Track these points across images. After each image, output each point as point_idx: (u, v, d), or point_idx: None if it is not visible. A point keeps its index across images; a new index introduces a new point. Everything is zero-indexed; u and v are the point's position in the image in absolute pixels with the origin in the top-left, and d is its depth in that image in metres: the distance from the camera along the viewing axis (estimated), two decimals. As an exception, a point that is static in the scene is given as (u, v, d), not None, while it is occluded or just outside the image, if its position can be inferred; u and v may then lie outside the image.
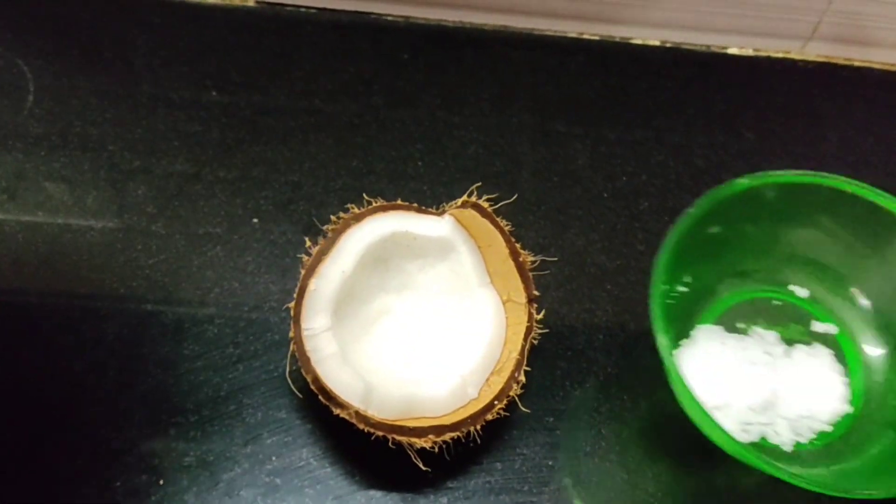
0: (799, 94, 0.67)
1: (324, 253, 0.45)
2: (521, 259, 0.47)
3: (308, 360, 0.42)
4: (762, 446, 0.44)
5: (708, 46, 0.69)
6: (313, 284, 0.44)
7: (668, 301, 0.45)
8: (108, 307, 0.49)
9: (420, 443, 0.41)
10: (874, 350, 0.47)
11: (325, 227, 0.46)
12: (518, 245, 0.47)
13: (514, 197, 0.52)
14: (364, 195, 0.48)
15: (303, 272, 0.44)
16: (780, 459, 0.39)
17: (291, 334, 0.43)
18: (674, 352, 0.45)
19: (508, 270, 0.47)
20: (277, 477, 0.44)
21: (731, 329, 0.48)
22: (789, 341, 0.47)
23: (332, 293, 0.44)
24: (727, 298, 0.49)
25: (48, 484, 0.43)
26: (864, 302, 0.48)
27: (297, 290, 0.44)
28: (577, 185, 0.59)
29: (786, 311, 0.49)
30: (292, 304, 0.44)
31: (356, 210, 0.47)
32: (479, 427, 0.43)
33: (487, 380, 0.46)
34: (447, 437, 0.42)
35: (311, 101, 0.61)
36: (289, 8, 0.66)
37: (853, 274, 0.48)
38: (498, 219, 0.48)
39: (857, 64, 0.70)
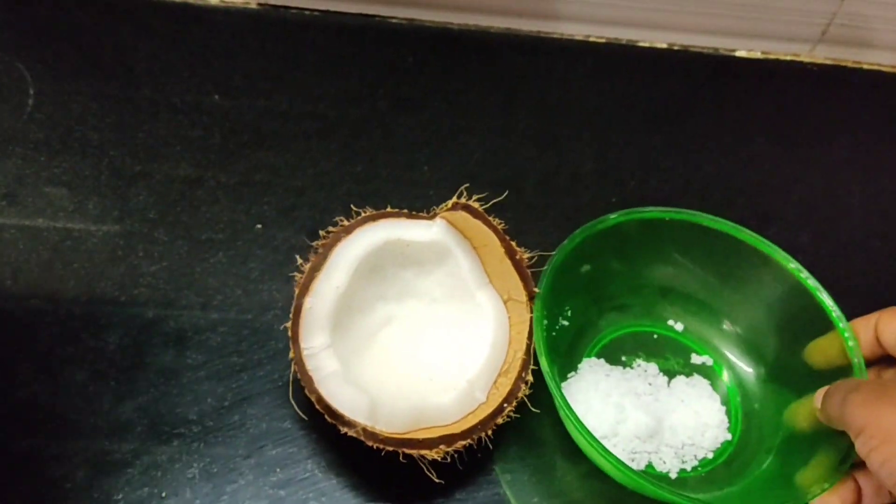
0: (808, 98, 0.66)
1: (316, 269, 0.44)
2: (517, 257, 0.46)
3: (311, 379, 0.41)
4: (649, 473, 0.45)
5: (716, 49, 0.68)
6: (308, 303, 0.43)
7: (553, 334, 0.46)
8: (109, 315, 0.48)
9: (432, 454, 0.40)
10: (749, 378, 0.49)
11: (315, 244, 0.45)
12: (514, 243, 0.46)
13: (506, 194, 0.50)
14: (363, 202, 0.47)
15: (296, 290, 0.44)
16: (667, 486, 0.40)
17: (291, 355, 0.42)
18: (563, 384, 0.47)
19: (506, 270, 0.46)
20: (282, 489, 0.43)
21: (616, 362, 0.49)
22: (670, 372, 0.49)
23: (329, 310, 0.43)
24: (609, 332, 0.50)
25: (48, 497, 0.42)
26: (735, 332, 0.49)
27: (292, 309, 0.43)
28: (586, 190, 0.58)
29: (665, 344, 0.50)
30: (289, 324, 0.43)
31: (345, 222, 0.45)
32: (489, 432, 0.42)
33: (495, 382, 0.45)
34: (458, 445, 0.41)
35: (315, 106, 0.60)
36: (292, 11, 0.66)
37: (723, 306, 0.50)
38: (491, 218, 0.46)
39: (866, 67, 0.69)
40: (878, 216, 0.59)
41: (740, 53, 0.69)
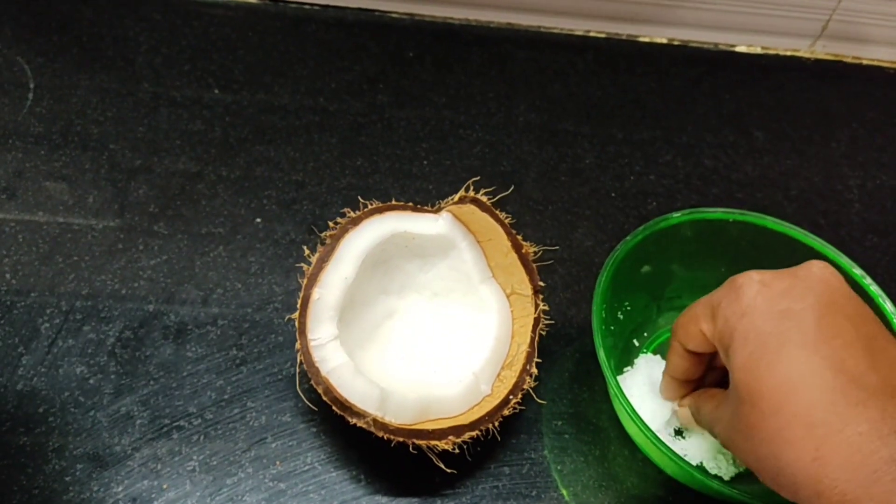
0: (808, 93, 0.66)
1: (324, 260, 0.44)
2: (523, 251, 0.46)
3: (318, 370, 0.41)
4: (700, 468, 0.45)
5: (716, 44, 0.68)
6: (316, 293, 0.43)
7: (611, 328, 0.46)
8: (110, 308, 0.48)
9: (441, 445, 0.40)
10: None
11: (322, 234, 0.45)
12: (520, 237, 0.47)
13: (511, 189, 0.51)
14: (362, 196, 0.48)
15: (304, 281, 0.43)
16: (717, 479, 0.40)
17: (298, 346, 0.42)
18: (618, 377, 0.47)
19: (511, 263, 0.47)
20: (282, 482, 0.43)
21: None
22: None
23: (336, 301, 0.43)
24: (667, 330, 0.50)
25: (48, 490, 0.42)
26: None
27: (299, 300, 0.43)
28: (585, 184, 0.58)
29: None
30: (296, 315, 0.43)
31: (353, 214, 0.46)
32: (496, 423, 0.42)
33: (499, 375, 0.45)
34: (466, 436, 0.41)
35: (315, 100, 0.60)
36: (292, 5, 0.66)
37: None
38: (497, 211, 0.46)
39: (865, 62, 0.69)
40: (876, 211, 0.59)
41: (740, 49, 0.69)
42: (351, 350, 0.43)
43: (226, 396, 0.46)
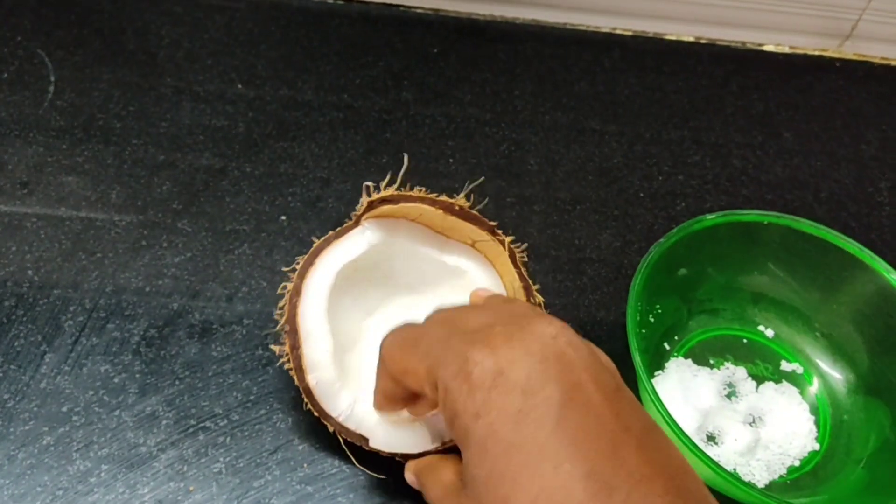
0: (836, 94, 0.65)
1: (296, 347, 0.41)
2: (457, 207, 0.43)
3: (363, 438, 0.41)
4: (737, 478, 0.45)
5: (743, 43, 0.67)
6: (312, 380, 0.41)
7: (642, 331, 0.46)
8: (134, 305, 0.48)
9: None
10: (839, 388, 0.48)
11: (277, 309, 0.42)
12: (441, 196, 0.43)
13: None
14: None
15: (294, 374, 0.41)
16: (755, 489, 0.39)
17: (330, 428, 0.41)
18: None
19: (454, 223, 0.44)
20: (309, 485, 0.43)
21: (703, 363, 0.49)
22: (758, 378, 0.48)
23: (332, 376, 0.41)
24: (698, 334, 0.50)
25: (73, 491, 0.41)
26: (828, 341, 0.49)
27: (301, 391, 0.41)
28: (613, 184, 0.57)
29: (754, 349, 0.50)
30: (306, 403, 0.41)
31: (291, 284, 0.42)
32: None
33: None
34: None
35: (339, 96, 0.59)
36: (315, 0, 0.65)
37: (817, 315, 0.49)
38: (411, 192, 0.42)
39: (894, 63, 0.68)
40: (908, 214, 0.58)
41: (768, 48, 0.68)
42: (340, 357, 0.42)
43: (252, 397, 0.45)
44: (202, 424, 0.44)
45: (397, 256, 0.45)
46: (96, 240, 0.50)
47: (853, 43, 0.68)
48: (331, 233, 0.43)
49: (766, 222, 0.47)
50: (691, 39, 0.67)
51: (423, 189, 0.43)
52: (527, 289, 0.44)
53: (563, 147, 0.58)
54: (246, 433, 0.44)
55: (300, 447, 0.44)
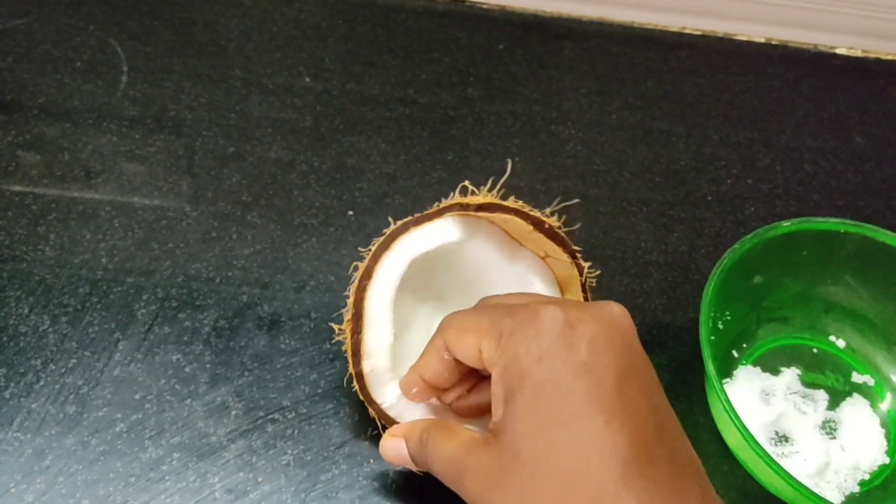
0: (910, 98, 0.64)
1: (357, 332, 0.41)
2: (546, 226, 0.42)
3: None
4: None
5: (815, 45, 0.66)
6: (367, 366, 0.41)
7: (712, 338, 0.45)
8: (205, 296, 0.48)
9: None
10: None
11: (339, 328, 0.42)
12: (536, 212, 0.42)
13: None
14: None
15: (349, 357, 0.41)
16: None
17: (371, 413, 0.42)
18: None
19: (537, 238, 0.43)
20: (376, 480, 0.43)
21: (772, 372, 0.48)
22: (828, 389, 0.48)
23: (386, 364, 0.41)
24: (767, 342, 0.49)
25: (144, 478, 0.42)
26: None
27: (352, 376, 0.41)
28: (681, 187, 0.56)
29: (824, 360, 0.49)
30: (356, 388, 0.41)
31: (362, 265, 0.42)
32: None
33: None
34: None
35: (405, 91, 0.59)
36: (383, -6, 0.65)
37: (891, 326, 0.48)
38: (505, 203, 0.42)
39: (972, 68, 0.66)
40: None
41: (840, 51, 0.66)
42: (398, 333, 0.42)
43: (319, 391, 0.46)
44: (271, 416, 0.44)
45: (468, 255, 0.45)
46: (168, 229, 0.51)
47: (928, 46, 0.66)
48: (409, 218, 0.43)
49: (842, 231, 0.46)
50: (762, 40, 0.66)
51: (518, 201, 0.42)
52: None
53: (629, 147, 0.58)
54: (313, 426, 0.44)
55: (366, 443, 0.44)
